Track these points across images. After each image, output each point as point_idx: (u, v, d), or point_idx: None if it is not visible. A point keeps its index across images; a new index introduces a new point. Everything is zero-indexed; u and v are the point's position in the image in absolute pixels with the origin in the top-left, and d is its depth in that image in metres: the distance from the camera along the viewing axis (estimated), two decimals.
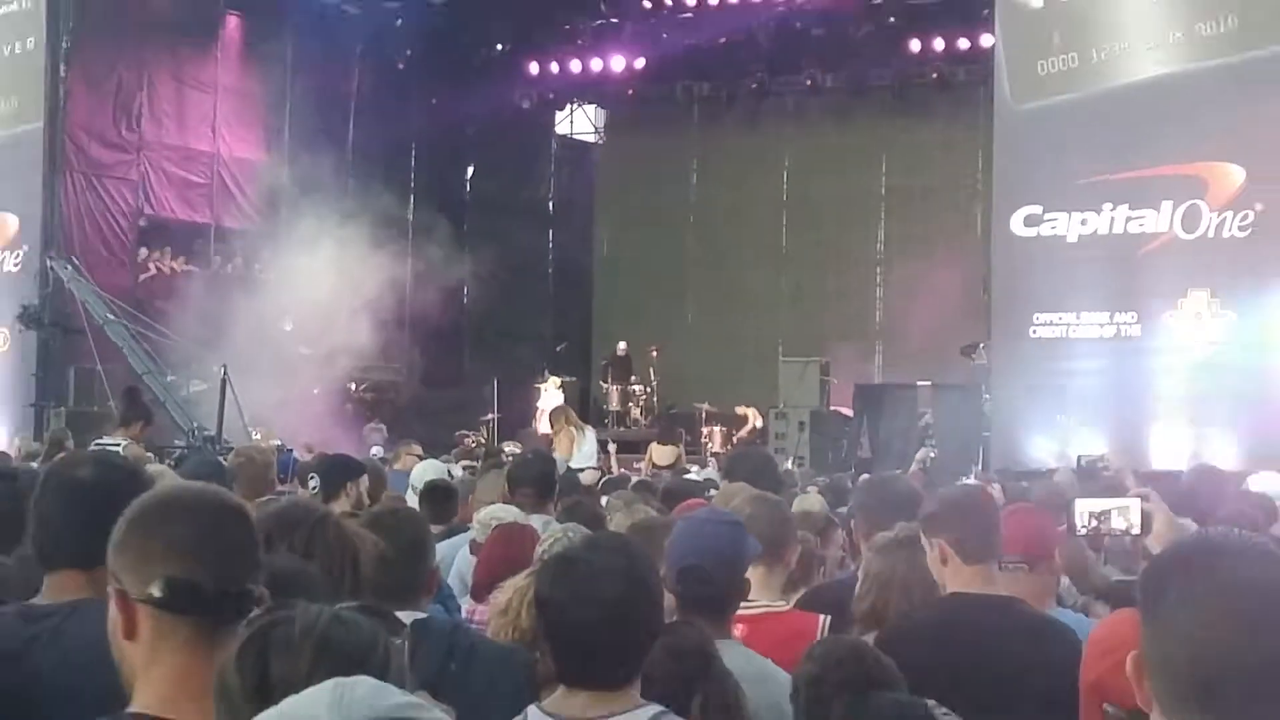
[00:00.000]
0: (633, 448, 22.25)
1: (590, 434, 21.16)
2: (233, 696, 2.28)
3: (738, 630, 4.75)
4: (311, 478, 7.41)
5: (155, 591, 2.70)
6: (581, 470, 14.58)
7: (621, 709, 3.57)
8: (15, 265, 23.44)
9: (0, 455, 11.23)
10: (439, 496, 8.01)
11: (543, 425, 23.19)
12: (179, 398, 20.33)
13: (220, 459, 9.41)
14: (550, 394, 24.68)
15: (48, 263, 22.24)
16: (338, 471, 7.56)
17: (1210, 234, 18.36)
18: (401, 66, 27.33)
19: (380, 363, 25.94)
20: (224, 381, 19.74)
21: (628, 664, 3.62)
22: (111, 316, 20.99)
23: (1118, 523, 5.67)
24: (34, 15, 23.28)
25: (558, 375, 25.43)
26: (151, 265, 24.83)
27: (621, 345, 26.70)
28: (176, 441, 18.41)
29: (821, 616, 5.28)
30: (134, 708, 2.70)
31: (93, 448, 11.08)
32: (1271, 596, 2.49)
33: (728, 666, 4.10)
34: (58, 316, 22.05)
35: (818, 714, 3.74)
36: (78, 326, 21.69)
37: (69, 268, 22.01)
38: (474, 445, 20.06)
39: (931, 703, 3.60)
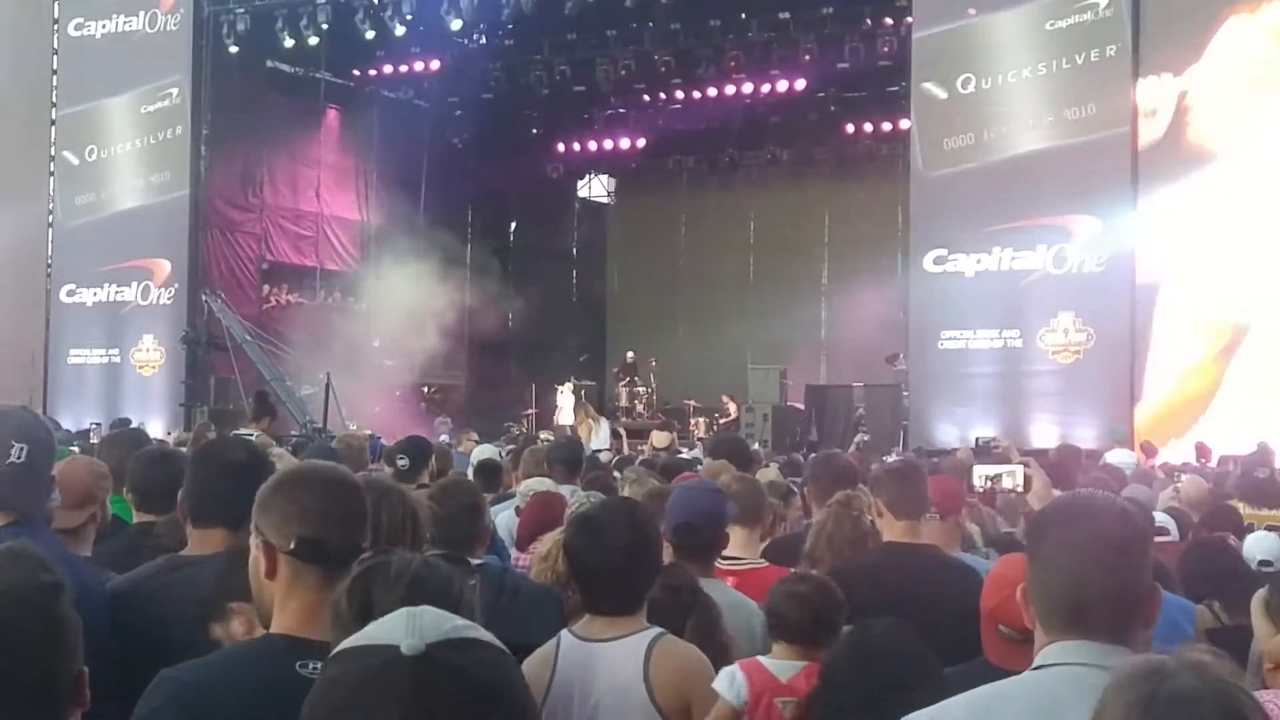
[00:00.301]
0: (638, 435, 22.22)
1: (605, 424, 21.24)
2: (342, 619, 2.31)
3: (729, 581, 4.73)
4: (401, 457, 7.41)
5: (291, 545, 2.77)
6: (600, 452, 14.57)
7: (632, 630, 3.58)
8: (169, 299, 23.47)
9: (160, 442, 11.19)
10: (490, 471, 8.01)
11: (561, 418, 23.22)
12: (296, 398, 20.36)
13: (330, 445, 9.39)
14: (565, 395, 24.62)
15: (202, 297, 22.26)
16: (420, 451, 7.61)
17: (1074, 270, 18.34)
18: (459, 145, 27.39)
19: (446, 370, 25.97)
20: (327, 386, 19.81)
21: (634, 595, 3.64)
22: (249, 337, 21.04)
23: (1007, 483, 5.73)
24: (181, 109, 23.30)
25: (571, 381, 25.35)
26: (271, 298, 24.89)
27: (629, 354, 26.71)
28: (293, 432, 18.37)
29: (784, 571, 5.29)
30: (274, 629, 2.78)
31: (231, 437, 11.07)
32: (1127, 542, 2.51)
33: (711, 598, 4.12)
34: (211, 337, 22.04)
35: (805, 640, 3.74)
36: (224, 345, 21.70)
37: (219, 300, 22.03)
38: (518, 433, 19.99)
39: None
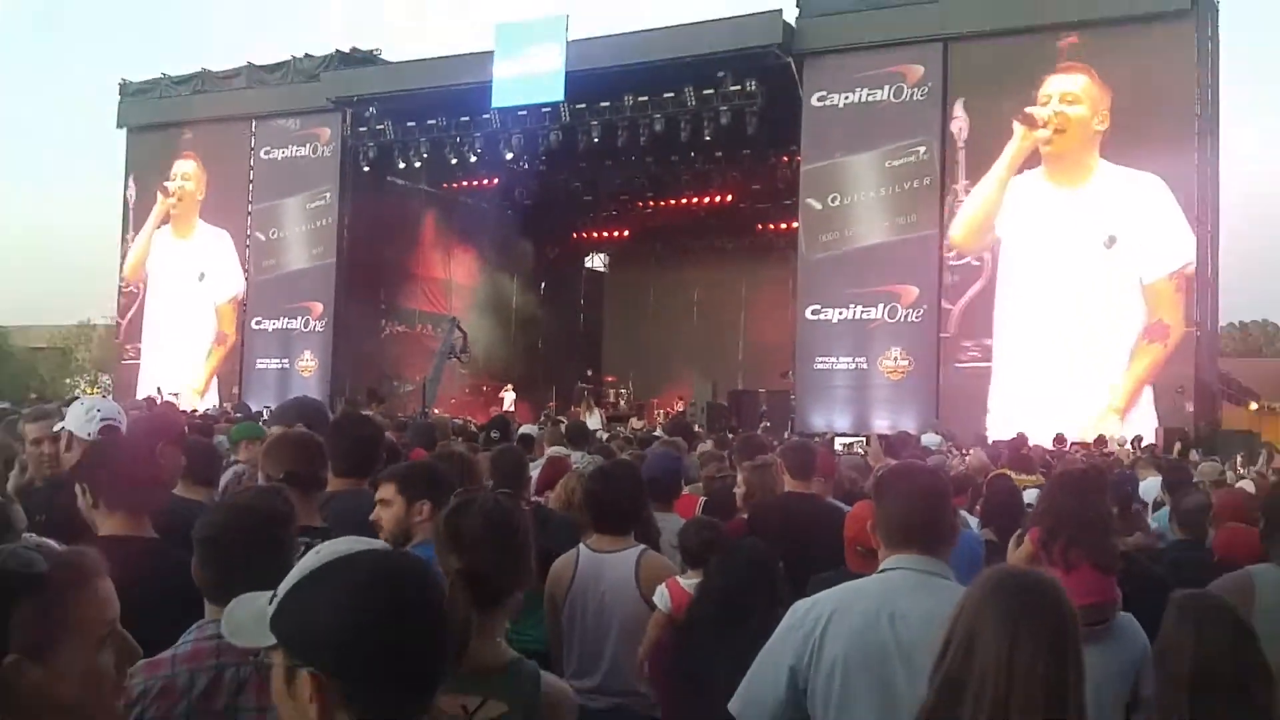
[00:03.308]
0: (622, 420, 22.25)
1: (598, 411, 21.26)
2: (440, 539, 2.27)
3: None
4: (494, 431, 7.41)
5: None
6: (597, 431, 14.53)
7: (626, 546, 3.60)
8: (321, 328, 23.52)
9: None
10: (528, 441, 8.00)
11: (505, 407, 22.87)
12: (434, 394, 20.45)
13: (426, 422, 9.38)
14: (509, 393, 24.39)
15: (455, 320, 22.69)
16: (506, 426, 7.91)
17: (903, 320, 18.47)
18: (509, 233, 27.16)
19: (499, 377, 25.90)
20: (424, 385, 19.88)
21: (629, 522, 3.66)
22: (444, 351, 21.09)
23: (859, 448, 5.78)
24: (331, 206, 23.61)
25: (510, 385, 24.76)
26: (386, 329, 24.78)
27: (589, 372, 26.98)
28: (400, 415, 18.30)
29: (701, 497, 5.29)
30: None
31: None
32: (937, 493, 2.55)
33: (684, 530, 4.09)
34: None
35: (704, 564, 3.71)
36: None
37: (455, 326, 22.13)
38: (545, 418, 19.97)
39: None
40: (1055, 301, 17.21)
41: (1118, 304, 16.87)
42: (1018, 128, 17.65)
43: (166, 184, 25.44)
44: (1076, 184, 17.36)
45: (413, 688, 1.29)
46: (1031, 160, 17.70)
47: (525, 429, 8.87)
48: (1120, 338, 16.87)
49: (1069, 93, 17.41)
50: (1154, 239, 16.72)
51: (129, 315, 26.14)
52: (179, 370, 24.54)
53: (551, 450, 7.12)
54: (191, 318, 24.99)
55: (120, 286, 26.50)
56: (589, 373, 27.15)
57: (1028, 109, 17.59)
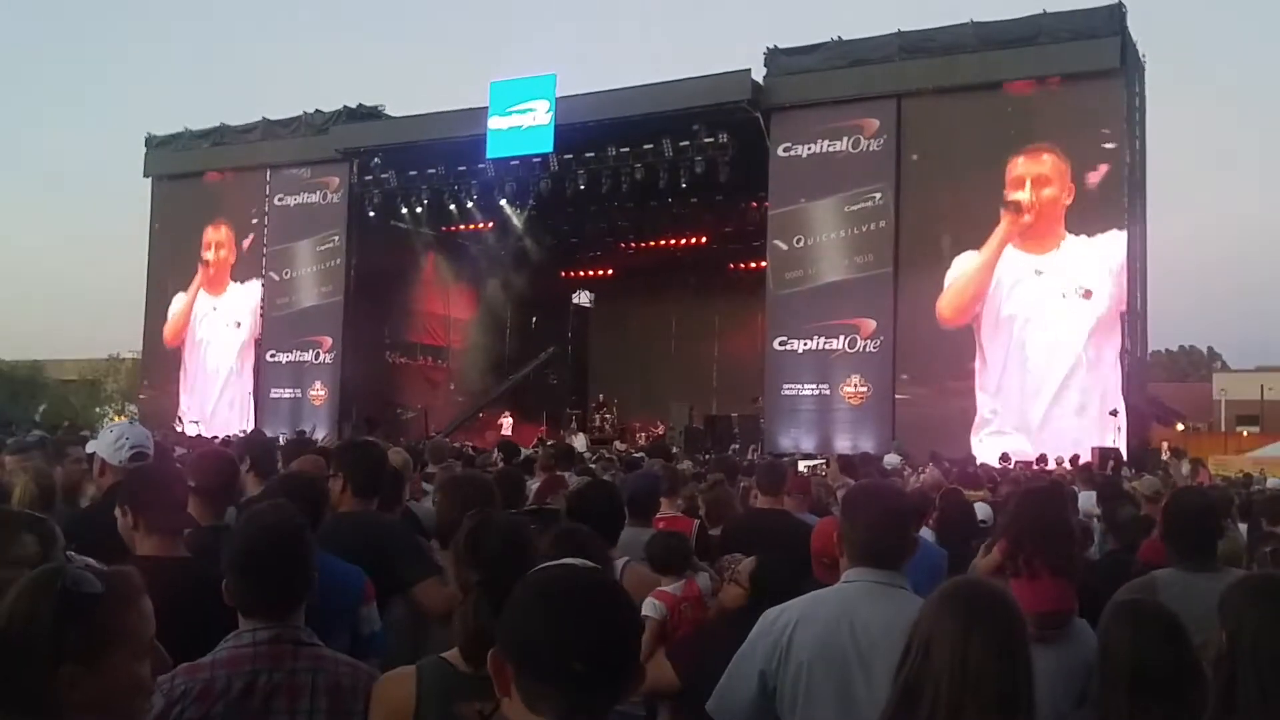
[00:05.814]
0: (606, 443, 22.17)
1: (581, 435, 21.16)
2: (461, 555, 2.25)
3: (660, 525, 4.68)
4: (511, 456, 7.45)
5: None
6: (583, 453, 14.44)
7: (611, 558, 3.57)
8: (330, 359, 23.33)
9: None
10: (526, 463, 7.98)
11: (504, 431, 22.63)
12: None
13: (419, 448, 9.33)
14: (507, 418, 24.21)
15: (552, 351, 23.90)
16: (515, 450, 7.79)
17: (861, 350, 18.56)
18: (504, 272, 26.94)
19: (494, 405, 25.74)
20: (425, 413, 19.82)
21: (613, 536, 3.63)
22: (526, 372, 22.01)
23: (820, 470, 5.79)
24: (340, 249, 23.48)
25: (507, 412, 24.74)
26: (390, 359, 24.66)
27: (600, 396, 26.67)
28: (402, 439, 18.16)
29: (695, 521, 5.28)
30: None
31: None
32: (900, 512, 2.57)
33: (651, 540, 4.07)
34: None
35: (676, 570, 3.68)
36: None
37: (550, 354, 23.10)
38: (538, 443, 19.85)
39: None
40: (1029, 347, 17.22)
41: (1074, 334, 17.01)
42: (1003, 212, 17.47)
43: (203, 253, 25.17)
44: (1046, 252, 17.31)
45: (567, 686, 1.32)
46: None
47: (522, 453, 8.88)
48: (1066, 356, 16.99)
49: (1040, 174, 17.33)
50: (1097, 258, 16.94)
51: (160, 362, 25.75)
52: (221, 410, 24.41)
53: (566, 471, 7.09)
54: (232, 362, 24.78)
55: (144, 335, 26.40)
56: (600, 396, 26.63)
57: (1014, 196, 17.35)
